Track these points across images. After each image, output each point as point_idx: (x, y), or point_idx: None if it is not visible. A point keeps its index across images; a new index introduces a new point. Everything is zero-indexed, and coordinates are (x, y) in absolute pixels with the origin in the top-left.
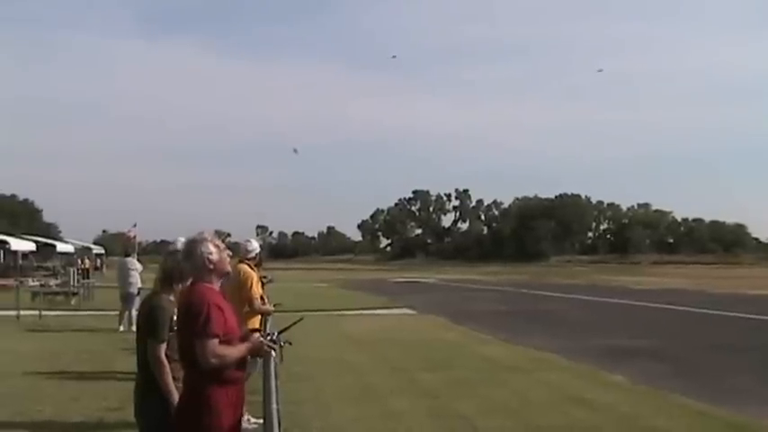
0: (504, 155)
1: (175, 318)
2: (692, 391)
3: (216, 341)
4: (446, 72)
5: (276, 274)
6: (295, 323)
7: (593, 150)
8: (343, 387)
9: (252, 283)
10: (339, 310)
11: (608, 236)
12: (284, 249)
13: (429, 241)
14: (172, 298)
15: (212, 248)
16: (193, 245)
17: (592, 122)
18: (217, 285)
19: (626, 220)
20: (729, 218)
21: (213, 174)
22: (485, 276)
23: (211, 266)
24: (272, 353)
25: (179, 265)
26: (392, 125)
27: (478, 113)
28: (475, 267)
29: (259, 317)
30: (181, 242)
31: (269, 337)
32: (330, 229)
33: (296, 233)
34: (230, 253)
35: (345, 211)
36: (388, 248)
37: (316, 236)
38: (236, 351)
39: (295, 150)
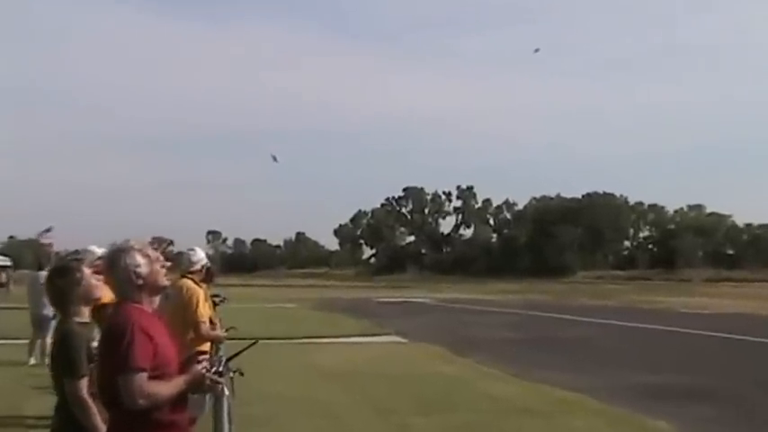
0: (518, 145)
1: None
2: None
3: (143, 376)
4: (444, 43)
5: (231, 292)
6: (247, 347)
7: (632, 139)
8: None
9: (198, 303)
10: (310, 337)
11: (650, 245)
12: (242, 261)
13: (423, 251)
14: (85, 319)
15: (140, 259)
16: (116, 255)
17: (631, 104)
18: (149, 305)
19: (672, 226)
20: None
21: (155, 168)
22: (493, 296)
23: (140, 282)
24: (221, 387)
25: (71, 285)
26: (379, 109)
27: (486, 93)
28: (481, 284)
29: (208, 345)
30: (94, 252)
31: (214, 368)
32: (299, 235)
33: (257, 241)
34: (168, 265)
35: (319, 213)
36: (372, 260)
37: (281, 244)
38: (170, 387)
39: (274, 158)
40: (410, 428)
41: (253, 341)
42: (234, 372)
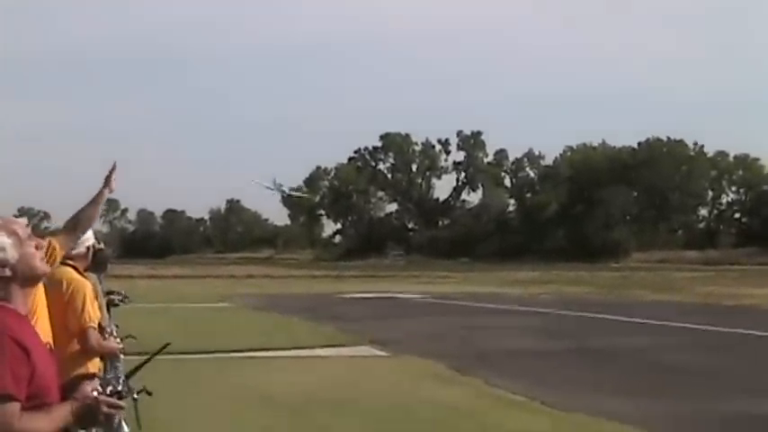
0: (544, 72)
1: None
2: None
3: (14, 406)
4: None
5: (134, 286)
6: (155, 354)
7: (708, 65)
8: None
9: (84, 301)
10: (249, 350)
11: (737, 215)
12: (149, 241)
13: (411, 226)
14: None
15: (4, 239)
16: None
17: (709, 11)
18: (23, 305)
19: None
20: None
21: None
22: (511, 288)
23: (6, 272)
24: (119, 418)
25: None
26: (348, 23)
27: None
28: (493, 272)
29: (97, 360)
30: None
31: (110, 389)
32: (232, 204)
33: (170, 212)
34: (44, 245)
35: (259, 171)
36: (337, 239)
37: (206, 217)
38: (51, 421)
39: (276, 186)
40: None
41: (164, 345)
42: (138, 392)
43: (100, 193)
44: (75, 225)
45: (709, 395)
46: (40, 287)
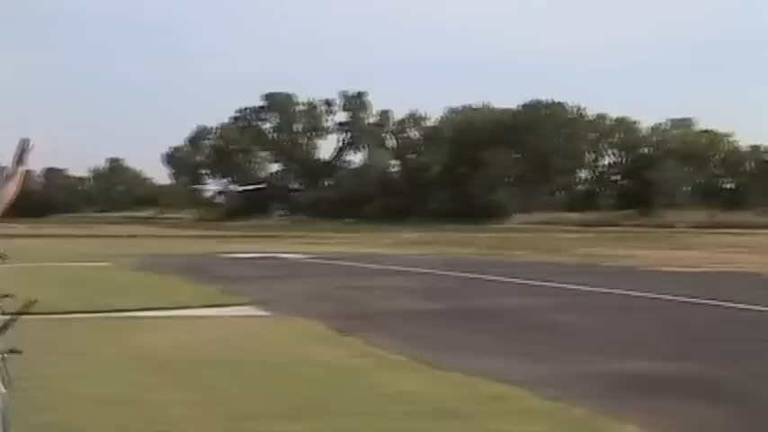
0: (426, 35)
1: None
2: None
3: None
4: None
5: (11, 244)
6: (22, 312)
7: (590, 26)
8: None
9: None
10: (131, 310)
11: (616, 177)
12: (27, 199)
13: (294, 186)
14: None
15: None
16: None
17: None
18: None
19: (648, 149)
20: None
21: None
22: (395, 249)
23: None
24: None
25: None
26: None
27: None
28: (378, 233)
29: None
30: None
31: None
32: (114, 163)
33: (50, 171)
34: None
35: (141, 130)
36: (221, 198)
37: (88, 176)
38: None
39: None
40: None
41: (30, 301)
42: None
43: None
44: None
45: (585, 354)
46: None
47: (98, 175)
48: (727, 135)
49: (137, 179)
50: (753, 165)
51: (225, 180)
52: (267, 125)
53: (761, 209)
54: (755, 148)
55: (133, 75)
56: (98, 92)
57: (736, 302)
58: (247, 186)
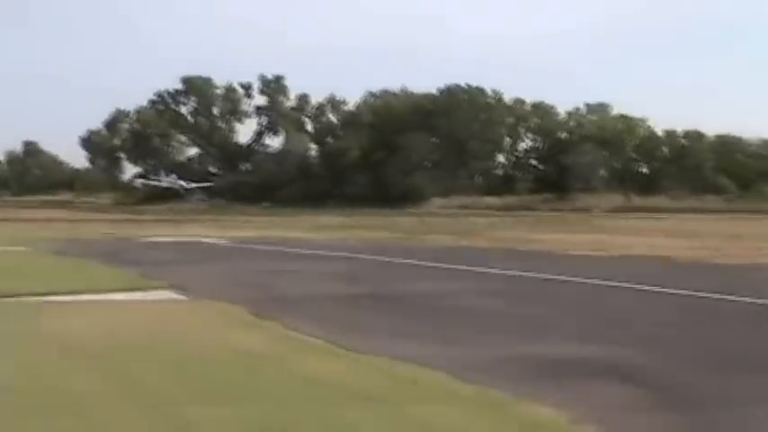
0: (345, 20)
1: None
2: None
3: None
4: None
5: None
6: None
7: (509, 12)
8: None
9: None
10: (46, 294)
11: (533, 162)
12: None
13: (212, 170)
14: None
15: None
16: None
17: None
18: None
19: (564, 134)
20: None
21: None
22: (313, 233)
23: None
24: None
25: None
26: None
27: None
28: (295, 217)
29: None
30: None
31: None
32: (29, 146)
33: None
34: None
35: (57, 113)
36: (138, 183)
37: (2, 159)
38: None
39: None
40: (191, 428)
41: None
42: None
43: None
44: None
45: (502, 337)
46: None
47: (13, 157)
48: (643, 120)
49: (53, 163)
50: (668, 150)
51: (142, 164)
52: (185, 109)
53: (675, 193)
54: (671, 133)
55: (47, 57)
56: (12, 75)
57: (651, 285)
58: (193, 184)
